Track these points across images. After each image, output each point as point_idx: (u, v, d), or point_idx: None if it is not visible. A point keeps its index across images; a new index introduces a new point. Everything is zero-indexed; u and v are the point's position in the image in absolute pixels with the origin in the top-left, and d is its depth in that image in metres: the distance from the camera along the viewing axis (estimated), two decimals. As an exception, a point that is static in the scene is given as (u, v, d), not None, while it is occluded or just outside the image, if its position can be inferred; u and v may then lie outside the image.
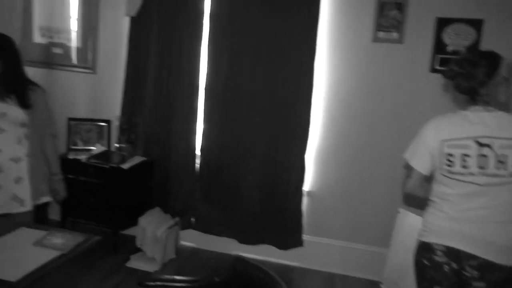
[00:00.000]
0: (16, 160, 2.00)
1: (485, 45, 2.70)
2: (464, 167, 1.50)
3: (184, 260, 3.17)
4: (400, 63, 2.87)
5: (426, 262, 1.61)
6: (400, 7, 2.77)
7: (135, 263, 2.95)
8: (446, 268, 1.55)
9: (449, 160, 1.52)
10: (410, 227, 2.77)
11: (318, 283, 3.01)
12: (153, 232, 2.96)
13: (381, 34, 2.83)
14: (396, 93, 2.91)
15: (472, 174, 1.50)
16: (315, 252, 3.16)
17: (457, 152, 1.52)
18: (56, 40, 3.35)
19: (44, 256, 1.33)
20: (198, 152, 3.23)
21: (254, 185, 3.12)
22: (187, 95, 3.14)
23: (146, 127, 3.19)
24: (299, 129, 2.99)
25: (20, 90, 2.00)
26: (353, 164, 3.05)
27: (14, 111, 1.97)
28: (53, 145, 2.22)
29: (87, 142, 3.23)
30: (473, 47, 1.68)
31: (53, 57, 3.36)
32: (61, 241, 1.44)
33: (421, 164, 1.62)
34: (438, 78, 2.80)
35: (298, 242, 3.16)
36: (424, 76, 2.84)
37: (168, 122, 3.20)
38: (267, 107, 3.02)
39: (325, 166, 3.10)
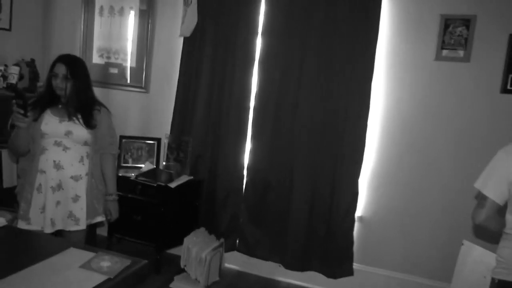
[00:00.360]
0: (76, 178, 2.03)
1: None
2: None
3: (228, 283, 3.06)
4: (466, 83, 2.65)
5: None
6: (468, 23, 2.57)
7: (178, 284, 2.88)
8: None
9: None
10: (475, 261, 2.51)
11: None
12: (198, 253, 2.89)
13: (445, 52, 2.64)
14: (461, 115, 2.69)
15: None
16: (365, 282, 2.95)
17: None
18: (113, 60, 3.46)
19: (90, 280, 1.28)
20: (245, 172, 3.16)
21: (303, 208, 2.98)
22: (237, 114, 3.09)
23: (195, 146, 3.17)
24: (353, 151, 2.84)
25: (87, 111, 2.05)
26: (410, 190, 2.83)
27: (79, 131, 2.01)
28: (113, 165, 2.23)
29: (137, 160, 3.27)
30: None
31: (109, 77, 3.46)
32: (108, 264, 1.40)
33: (495, 193, 1.57)
34: (510, 100, 2.57)
35: (348, 271, 2.97)
36: (494, 97, 2.60)
37: (216, 142, 3.17)
38: (320, 128, 2.90)
39: (379, 190, 2.91)
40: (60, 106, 2.04)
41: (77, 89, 2.01)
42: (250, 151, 3.12)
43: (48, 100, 2.03)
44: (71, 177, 2.02)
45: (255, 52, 3.04)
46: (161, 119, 3.33)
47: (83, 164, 2.05)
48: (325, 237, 2.98)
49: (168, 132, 3.25)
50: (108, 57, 3.46)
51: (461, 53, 2.62)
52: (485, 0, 2.56)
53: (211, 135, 3.17)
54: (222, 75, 3.09)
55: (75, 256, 1.45)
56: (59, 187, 2.00)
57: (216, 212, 3.19)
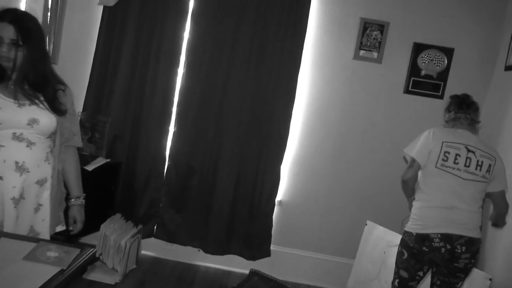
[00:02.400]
0: (41, 183, 1.57)
1: (453, 72, 2.93)
2: (455, 163, 1.99)
3: (146, 271, 2.96)
4: (377, 82, 2.99)
5: (425, 248, 1.97)
6: (382, 29, 2.88)
7: (94, 274, 2.68)
8: (442, 250, 1.94)
9: (446, 156, 2.00)
10: (377, 239, 2.88)
11: (285, 294, 2.98)
12: (116, 240, 2.72)
13: (362, 53, 2.93)
14: (371, 110, 3.02)
15: (459, 169, 1.99)
16: (282, 262, 3.14)
17: (452, 151, 2.00)
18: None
19: (42, 273, 1.12)
20: (167, 156, 3.06)
21: (225, 193, 3.02)
22: (161, 94, 2.96)
23: (112, 126, 2.94)
24: (278, 139, 2.96)
25: (50, 90, 1.55)
26: (325, 176, 3.09)
27: (46, 118, 1.52)
28: (77, 161, 1.77)
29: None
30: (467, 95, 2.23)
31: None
32: (56, 255, 1.23)
33: (419, 156, 2.04)
34: (410, 99, 2.97)
35: (266, 252, 3.11)
36: (398, 96, 2.99)
37: (137, 122, 2.99)
38: (247, 116, 2.96)
39: (298, 176, 3.11)
40: (11, 85, 1.50)
41: (32, 59, 1.48)
42: (173, 134, 3.02)
43: None
44: (36, 182, 1.55)
45: (183, 31, 2.93)
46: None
47: (48, 163, 1.59)
48: (247, 221, 3.07)
49: (81, 110, 2.95)
50: None
51: (375, 54, 2.93)
52: (398, 9, 2.91)
53: (132, 115, 2.98)
54: (147, 52, 2.92)
55: (11, 247, 1.26)
56: (21, 196, 1.52)
57: (135, 197, 3.03)
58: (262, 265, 3.08)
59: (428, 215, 2.00)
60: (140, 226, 2.97)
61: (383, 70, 2.97)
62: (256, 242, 3.09)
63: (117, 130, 2.99)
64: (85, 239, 2.91)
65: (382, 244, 2.85)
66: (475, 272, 2.36)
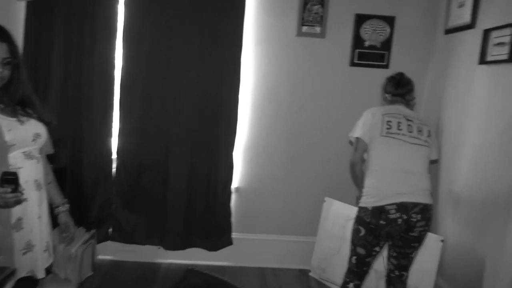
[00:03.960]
0: (44, 195, 1.54)
1: (396, 40, 2.91)
2: (399, 129, 2.05)
3: (103, 276, 2.84)
4: (323, 57, 2.93)
5: (382, 222, 1.95)
6: (322, 2, 2.81)
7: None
8: (399, 221, 1.94)
9: (389, 125, 2.05)
10: (335, 214, 2.89)
11: (251, 279, 2.94)
12: (66, 249, 2.57)
13: (304, 29, 2.85)
14: (319, 86, 2.97)
15: (404, 134, 2.04)
16: (245, 249, 3.10)
17: (393, 119, 2.07)
18: None
19: None
20: (114, 154, 2.91)
21: (179, 186, 2.92)
22: (101, 93, 2.79)
23: (53, 132, 2.73)
24: (227, 126, 2.87)
25: (36, 102, 1.51)
26: (280, 158, 3.04)
27: (44, 129, 1.51)
28: (51, 168, 1.72)
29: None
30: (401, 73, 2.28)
31: None
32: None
33: (363, 133, 2.09)
34: (357, 72, 2.94)
35: (228, 242, 3.06)
36: (344, 69, 2.94)
37: (79, 123, 2.82)
38: (192, 104, 2.84)
39: (253, 161, 3.04)
40: (6, 104, 1.43)
41: (23, 75, 1.44)
42: (118, 132, 2.87)
43: None
44: (46, 197, 1.54)
45: (116, 21, 2.75)
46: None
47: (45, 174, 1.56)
48: (205, 212, 2.99)
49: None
50: None
51: (318, 29, 2.86)
52: (336, -19, 2.84)
53: (72, 117, 2.80)
54: (79, 47, 2.72)
55: None
56: (42, 212, 1.50)
57: (84, 202, 2.88)
58: (225, 254, 3.04)
59: (383, 183, 1.99)
60: (93, 231, 2.83)
61: (327, 44, 2.91)
62: (216, 232, 3.02)
63: (58, 135, 2.78)
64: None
65: (341, 219, 2.85)
66: (428, 235, 2.40)
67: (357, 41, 2.88)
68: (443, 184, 2.68)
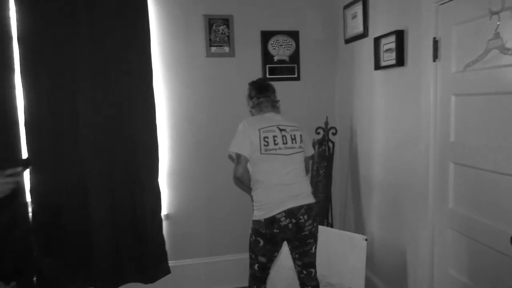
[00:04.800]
0: None
1: (303, 53, 3.04)
2: (275, 144, 2.14)
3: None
4: (235, 75, 2.98)
5: (276, 230, 2.07)
6: (228, 23, 2.87)
7: None
8: (290, 226, 2.08)
9: (266, 141, 2.13)
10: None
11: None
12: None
13: (213, 49, 2.89)
14: (233, 105, 3.00)
15: (280, 148, 2.14)
16: (184, 275, 3.04)
17: (269, 134, 2.14)
18: None
19: None
20: (28, 198, 2.74)
21: (104, 221, 2.79)
22: (3, 136, 2.61)
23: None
24: (148, 154, 2.82)
25: None
26: (206, 179, 3.04)
27: None
28: None
29: None
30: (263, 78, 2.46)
31: None
32: None
33: (245, 149, 2.14)
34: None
35: (166, 270, 2.98)
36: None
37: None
38: (107, 134, 2.76)
39: (178, 186, 3.01)
40: None
41: None
42: (30, 173, 2.70)
43: None
44: None
45: (12, 59, 2.61)
46: None
47: None
48: (136, 245, 2.89)
49: None
50: None
51: (226, 49, 2.92)
52: (239, 2, 2.92)
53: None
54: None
55: None
56: None
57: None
58: (164, 285, 2.96)
59: (270, 197, 2.10)
60: (13, 284, 2.63)
61: (238, 62, 2.97)
62: (151, 263, 2.93)
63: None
64: None
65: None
66: (353, 235, 2.51)
67: (266, 56, 2.98)
68: (363, 185, 2.83)
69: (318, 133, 2.99)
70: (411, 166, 2.24)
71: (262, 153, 2.12)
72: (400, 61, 2.24)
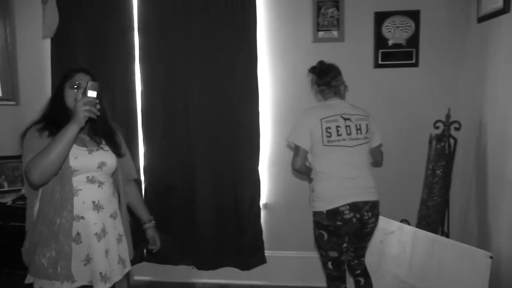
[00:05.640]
0: (114, 216, 1.72)
1: (424, 35, 2.67)
2: (339, 135, 2.01)
3: (140, 297, 2.89)
4: (344, 62, 2.73)
5: (339, 222, 1.98)
6: (337, 5, 2.67)
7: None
8: (354, 220, 1.99)
9: (328, 132, 2.00)
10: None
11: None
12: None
13: (321, 34, 2.72)
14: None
15: (344, 139, 2.02)
16: (279, 267, 2.98)
17: (332, 125, 2.01)
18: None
19: None
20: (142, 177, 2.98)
21: (208, 205, 2.90)
22: (124, 117, 2.88)
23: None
24: (250, 140, 2.82)
25: (111, 135, 1.74)
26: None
27: (112, 159, 1.70)
28: (138, 191, 1.99)
29: (14, 183, 2.87)
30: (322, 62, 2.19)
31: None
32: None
33: (304, 141, 2.03)
34: (382, 74, 2.74)
35: (261, 260, 2.97)
36: (369, 72, 2.76)
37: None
38: (212, 121, 2.84)
39: (278, 176, 2.95)
40: (85, 136, 1.66)
41: (104, 110, 1.67)
42: (144, 155, 2.94)
43: (61, 125, 1.50)
44: (111, 216, 1.69)
45: (133, 48, 2.84)
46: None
47: (115, 197, 1.75)
48: (235, 231, 2.94)
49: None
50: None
51: (335, 33, 2.72)
52: (350, -19, 2.69)
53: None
54: (100, 77, 2.84)
55: None
56: (103, 231, 1.65)
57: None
58: (258, 273, 2.95)
59: (333, 188, 2.00)
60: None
61: (347, 48, 2.75)
62: (248, 251, 2.95)
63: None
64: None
65: (377, 233, 2.64)
66: (474, 250, 2.13)
67: (380, 40, 2.69)
68: (492, 189, 2.39)
69: (437, 128, 2.61)
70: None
71: (325, 145, 2.01)
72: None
